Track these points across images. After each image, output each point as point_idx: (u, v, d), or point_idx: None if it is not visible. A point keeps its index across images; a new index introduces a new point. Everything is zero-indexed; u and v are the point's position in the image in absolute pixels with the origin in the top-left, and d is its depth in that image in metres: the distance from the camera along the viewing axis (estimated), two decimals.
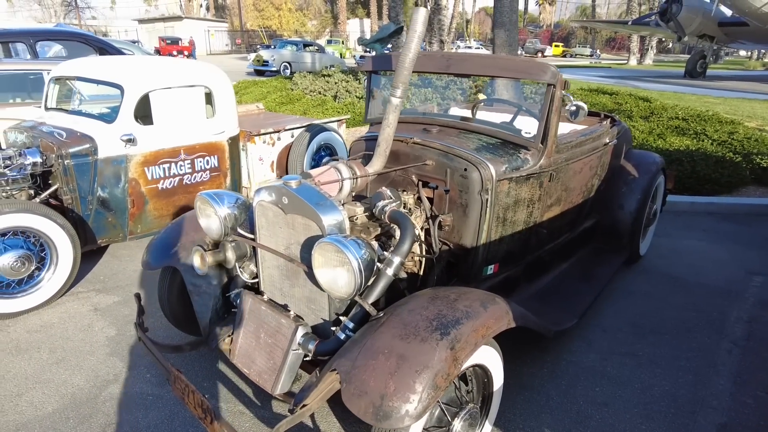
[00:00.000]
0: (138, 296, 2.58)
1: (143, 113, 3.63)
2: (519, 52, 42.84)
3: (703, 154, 5.87)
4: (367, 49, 26.89)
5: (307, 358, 2.04)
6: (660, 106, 8.94)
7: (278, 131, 4.79)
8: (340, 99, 10.25)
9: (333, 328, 2.00)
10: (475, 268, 2.55)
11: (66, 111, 3.92)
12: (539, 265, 3.03)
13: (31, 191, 3.42)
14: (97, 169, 3.47)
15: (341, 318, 2.00)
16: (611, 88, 11.17)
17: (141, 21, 43.72)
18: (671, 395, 2.49)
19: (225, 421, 1.81)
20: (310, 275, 2.02)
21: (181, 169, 3.94)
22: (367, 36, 43.39)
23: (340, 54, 30.19)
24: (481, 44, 47.90)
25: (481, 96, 3.51)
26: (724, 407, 2.42)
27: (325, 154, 5.16)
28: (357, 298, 1.86)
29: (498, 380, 2.01)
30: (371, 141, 2.77)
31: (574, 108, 2.52)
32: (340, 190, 2.35)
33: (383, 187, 2.41)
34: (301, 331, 2.02)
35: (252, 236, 2.34)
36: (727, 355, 2.83)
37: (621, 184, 3.55)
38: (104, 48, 7.89)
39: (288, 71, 18.85)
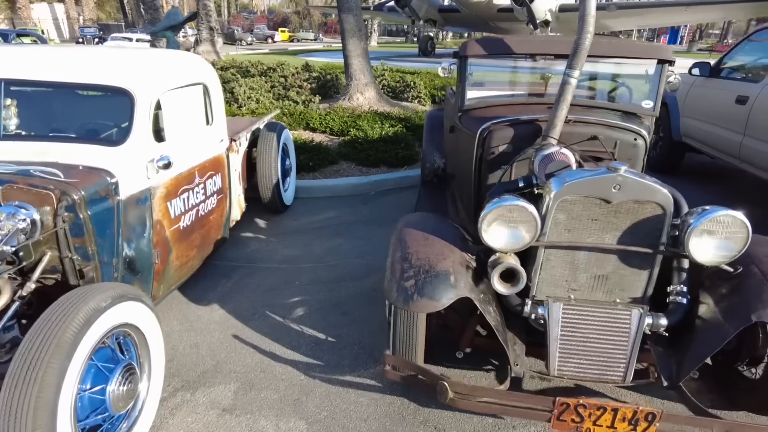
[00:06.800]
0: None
1: (153, 126, 2.56)
2: (250, 38, 41.73)
3: None
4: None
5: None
6: (455, 81, 10.45)
7: (241, 132, 3.93)
8: None
9: (672, 298, 2.05)
10: None
11: (12, 136, 2.41)
12: None
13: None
14: (120, 216, 2.32)
15: (674, 286, 2.06)
16: (406, 68, 12.44)
17: None
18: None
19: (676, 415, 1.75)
20: (632, 257, 2.01)
21: (197, 197, 2.93)
22: (62, 22, 36.00)
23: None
24: (195, 33, 45.00)
25: (551, 78, 3.64)
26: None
27: (283, 155, 4.47)
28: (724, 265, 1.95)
29: None
30: (520, 125, 2.70)
31: (674, 80, 2.97)
32: None
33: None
34: (645, 312, 2.00)
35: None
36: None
37: None
38: None
39: None
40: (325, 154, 5.80)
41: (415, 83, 9.15)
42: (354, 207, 4.71)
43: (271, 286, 3.22)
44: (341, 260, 3.59)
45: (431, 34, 22.85)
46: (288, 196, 4.60)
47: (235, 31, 40.12)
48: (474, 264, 2.10)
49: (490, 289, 2.10)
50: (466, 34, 46.37)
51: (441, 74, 3.22)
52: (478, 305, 1.94)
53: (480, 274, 2.11)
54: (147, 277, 2.55)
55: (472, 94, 3.09)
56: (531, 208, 1.91)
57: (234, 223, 3.76)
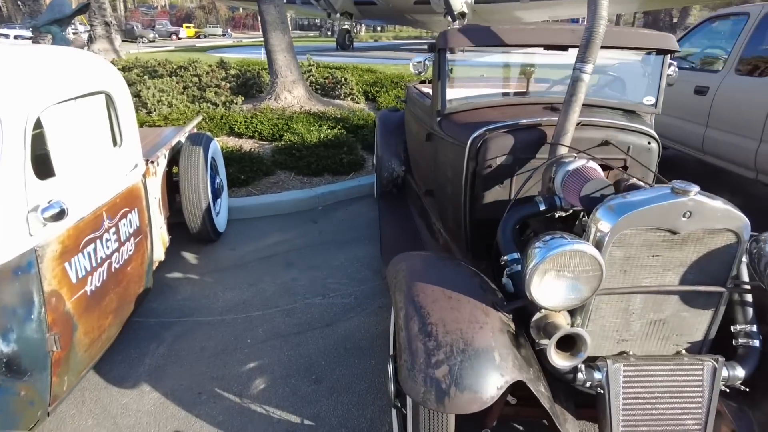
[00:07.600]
0: None
1: (33, 157, 1.78)
2: (152, 35, 38.90)
3: None
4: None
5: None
6: (384, 77, 9.99)
7: (159, 150, 3.14)
8: None
9: (742, 341, 1.67)
10: None
11: None
12: None
13: None
14: None
15: (741, 326, 1.69)
16: (332, 64, 11.70)
17: None
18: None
19: None
20: (697, 296, 1.62)
21: (109, 247, 2.17)
22: None
23: None
24: (87, 29, 40.91)
25: (534, 72, 3.16)
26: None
27: (212, 173, 3.70)
28: None
29: None
30: (519, 131, 2.25)
31: (673, 73, 2.65)
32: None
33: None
34: (720, 364, 1.60)
35: None
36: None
37: None
38: None
39: None
40: (258, 164, 5.05)
41: (346, 79, 8.53)
42: (302, 227, 4.06)
43: (218, 348, 2.52)
44: (299, 302, 2.95)
45: (348, 28, 22.22)
46: (221, 221, 3.85)
47: (135, 28, 36.79)
48: (513, 326, 1.60)
49: (533, 356, 1.61)
50: (379, 28, 46.28)
51: (413, 71, 2.67)
52: (531, 388, 1.43)
53: (518, 338, 1.61)
54: (41, 374, 1.78)
55: (451, 94, 2.58)
56: (595, 253, 1.42)
57: (158, 264, 2.98)
